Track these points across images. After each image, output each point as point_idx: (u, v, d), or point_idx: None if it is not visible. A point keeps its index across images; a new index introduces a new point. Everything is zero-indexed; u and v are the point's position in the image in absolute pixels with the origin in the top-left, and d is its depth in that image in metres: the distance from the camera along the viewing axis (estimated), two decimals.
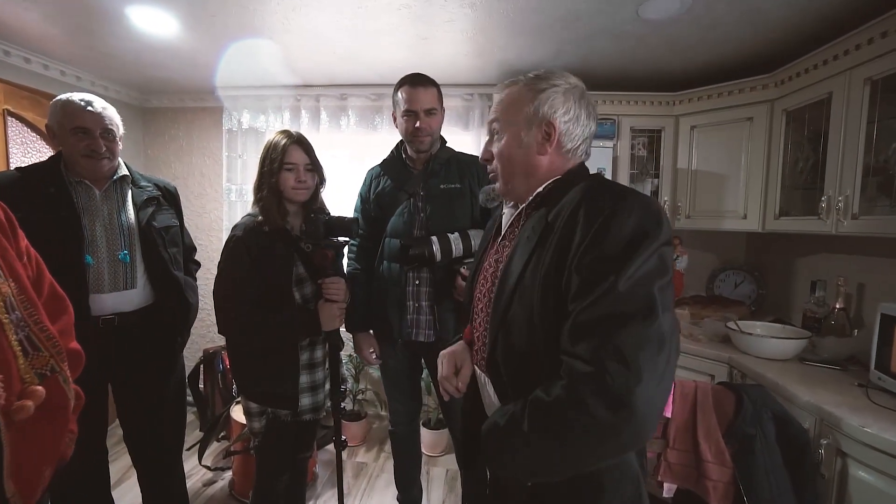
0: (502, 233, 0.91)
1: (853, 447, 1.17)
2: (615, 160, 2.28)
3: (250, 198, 2.80)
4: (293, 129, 1.41)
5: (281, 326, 1.27)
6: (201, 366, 2.50)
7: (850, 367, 1.59)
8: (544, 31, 1.88)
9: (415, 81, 1.53)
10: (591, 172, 0.84)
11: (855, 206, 1.51)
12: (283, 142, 1.34)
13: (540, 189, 0.81)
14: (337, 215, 1.39)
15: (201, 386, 2.50)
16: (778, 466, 1.20)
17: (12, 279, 0.79)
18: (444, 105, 1.63)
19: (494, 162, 0.86)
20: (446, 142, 1.69)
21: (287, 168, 1.33)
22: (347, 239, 1.40)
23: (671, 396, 1.43)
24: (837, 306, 1.72)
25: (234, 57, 2.23)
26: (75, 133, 1.33)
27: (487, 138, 0.88)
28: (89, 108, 1.35)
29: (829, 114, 1.63)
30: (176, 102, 2.97)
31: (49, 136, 1.38)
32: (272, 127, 2.75)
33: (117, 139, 1.43)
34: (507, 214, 0.90)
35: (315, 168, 1.39)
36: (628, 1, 1.60)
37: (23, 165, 1.45)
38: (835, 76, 1.60)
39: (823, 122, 1.66)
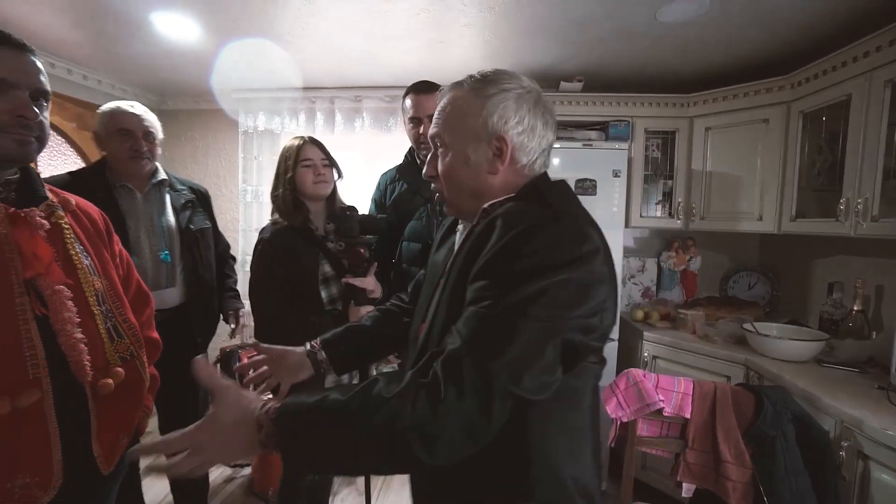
0: (454, 251, 0.80)
1: (875, 449, 1.18)
2: (630, 161, 2.28)
3: (265, 199, 2.86)
4: (308, 132, 1.46)
5: (311, 329, 1.29)
6: (218, 364, 2.54)
7: (868, 369, 1.59)
8: (559, 34, 1.89)
9: (419, 89, 1.55)
10: (557, 180, 0.75)
11: (874, 209, 1.51)
12: (297, 142, 1.40)
13: (485, 206, 0.72)
14: (365, 213, 1.41)
15: None
16: (799, 468, 1.20)
17: (104, 277, 0.91)
18: None
19: (440, 180, 0.76)
20: None
21: (304, 164, 1.36)
22: (374, 237, 1.42)
23: (690, 397, 1.44)
24: (855, 308, 1.72)
25: (250, 59, 2.26)
26: (120, 135, 1.44)
27: (431, 152, 0.77)
28: (132, 111, 1.47)
29: (848, 116, 1.62)
30: (192, 105, 3.01)
31: (96, 141, 1.50)
32: (287, 129, 2.78)
33: (157, 142, 1.54)
34: (460, 233, 0.80)
35: (332, 163, 1.43)
36: (645, 3, 1.61)
37: (74, 169, 1.58)
38: (855, 78, 1.59)
39: (842, 124, 1.65)
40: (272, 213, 1.40)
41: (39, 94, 0.80)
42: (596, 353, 0.67)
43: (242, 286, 2.82)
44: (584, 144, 2.21)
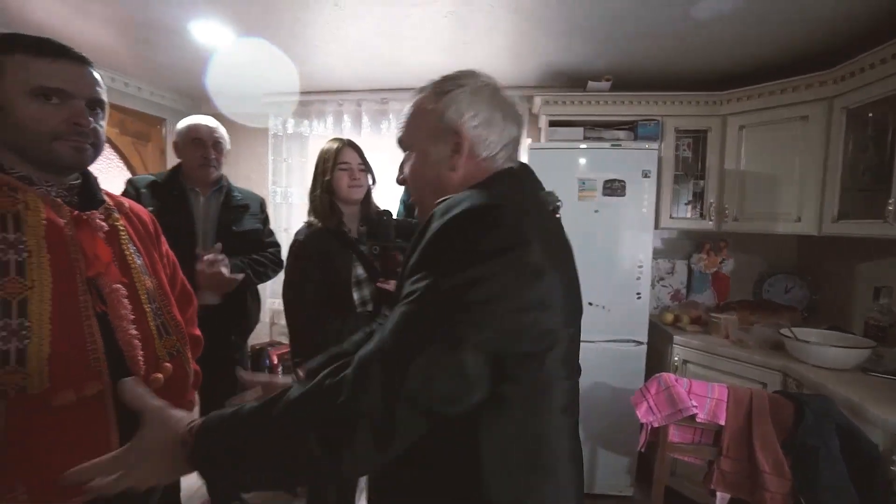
0: None
1: None
2: (659, 161, 2.23)
3: (294, 200, 2.92)
4: (335, 134, 1.49)
5: (342, 332, 1.31)
6: (249, 361, 2.61)
7: None
8: (587, 32, 1.87)
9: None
10: (517, 168, 0.72)
11: None
12: (336, 145, 1.43)
13: (438, 201, 0.68)
14: (399, 218, 1.43)
15: None
16: (843, 481, 1.15)
17: (154, 276, 0.95)
18: None
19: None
20: None
21: (342, 168, 1.39)
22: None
23: (724, 403, 1.41)
24: None
25: (281, 64, 2.32)
26: (194, 143, 1.66)
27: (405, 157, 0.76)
28: (205, 124, 1.70)
29: None
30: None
31: (175, 149, 1.72)
32: (315, 131, 2.84)
33: (224, 152, 1.74)
34: None
35: (367, 169, 1.45)
36: (676, 0, 1.58)
37: (157, 172, 1.81)
38: None
39: (891, 120, 1.58)
40: (308, 214, 1.43)
41: (95, 104, 0.84)
42: (536, 358, 0.58)
43: (274, 285, 2.91)
44: (612, 145, 2.18)
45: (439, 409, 0.52)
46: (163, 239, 1.09)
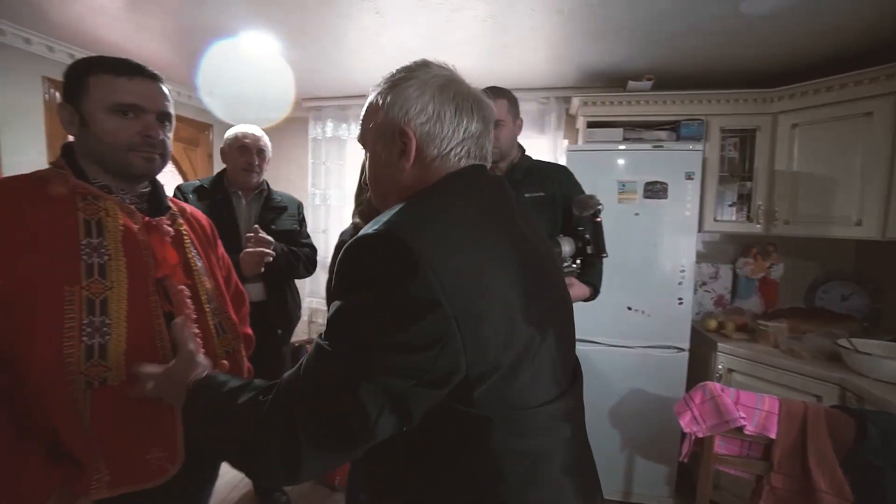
0: None
1: None
2: (704, 162, 2.16)
3: (333, 202, 3.00)
4: None
5: None
6: (291, 356, 2.71)
7: None
8: (629, 32, 1.83)
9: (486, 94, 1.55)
10: (461, 171, 0.64)
11: None
12: None
13: None
14: None
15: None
16: None
17: (212, 278, 1.02)
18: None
19: None
20: (525, 150, 1.70)
21: None
22: None
23: (775, 416, 1.35)
24: None
25: (320, 71, 2.40)
26: (240, 150, 1.76)
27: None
28: (251, 132, 1.79)
29: None
30: None
31: (222, 155, 1.82)
32: (354, 135, 2.91)
33: (266, 159, 1.83)
34: None
35: None
36: None
37: (203, 178, 1.92)
38: None
39: None
40: (353, 216, 1.47)
41: (164, 117, 0.90)
42: (454, 395, 0.53)
43: (312, 284, 3.01)
44: (653, 146, 2.12)
45: (339, 447, 0.52)
46: (219, 242, 1.15)
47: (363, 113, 0.69)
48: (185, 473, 0.88)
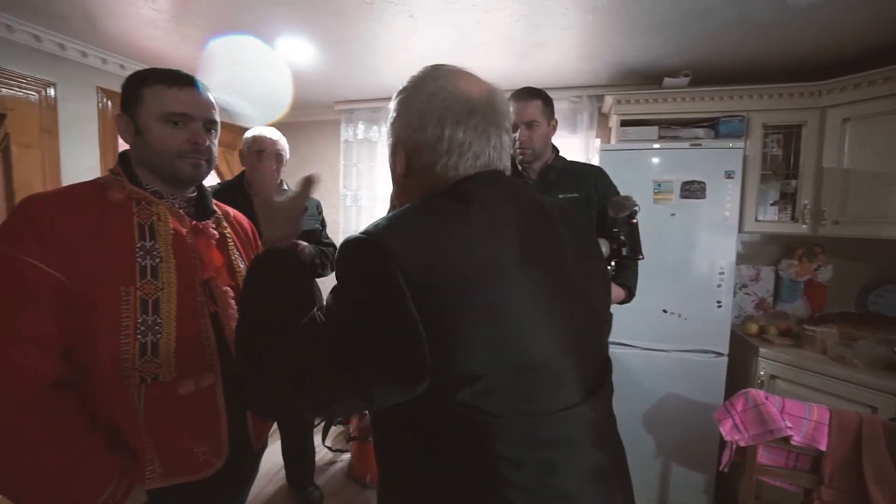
0: None
1: None
2: (745, 160, 2.07)
3: (364, 203, 3.05)
4: None
5: None
6: None
7: None
8: (667, 28, 1.78)
9: (518, 96, 1.53)
10: (465, 179, 0.64)
11: None
12: None
13: None
14: None
15: None
16: None
17: None
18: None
19: None
20: (559, 151, 1.68)
21: None
22: None
23: (825, 427, 1.28)
24: None
25: (352, 75, 2.44)
26: (258, 154, 1.76)
27: None
28: (268, 136, 1.80)
29: None
30: (300, 117, 3.31)
31: (240, 158, 1.85)
32: (384, 137, 2.94)
33: (284, 162, 1.85)
34: None
35: None
36: None
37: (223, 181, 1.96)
38: None
39: None
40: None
41: (210, 125, 0.94)
42: (430, 393, 0.54)
43: (332, 281, 3.07)
44: (691, 144, 2.05)
45: (311, 405, 0.58)
46: (259, 243, 1.19)
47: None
48: (229, 467, 0.91)
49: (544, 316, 0.58)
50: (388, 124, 0.69)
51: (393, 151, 0.68)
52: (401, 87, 0.68)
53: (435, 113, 0.63)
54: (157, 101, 0.86)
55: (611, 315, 0.88)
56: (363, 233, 0.56)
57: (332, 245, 2.05)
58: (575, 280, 0.65)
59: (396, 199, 0.73)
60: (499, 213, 0.60)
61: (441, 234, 0.55)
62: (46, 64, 1.98)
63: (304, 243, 1.73)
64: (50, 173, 1.98)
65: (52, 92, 1.99)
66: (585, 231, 0.79)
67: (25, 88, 1.90)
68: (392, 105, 0.69)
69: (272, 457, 2.23)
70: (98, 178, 0.88)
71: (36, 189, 1.93)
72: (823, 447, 1.25)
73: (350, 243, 0.56)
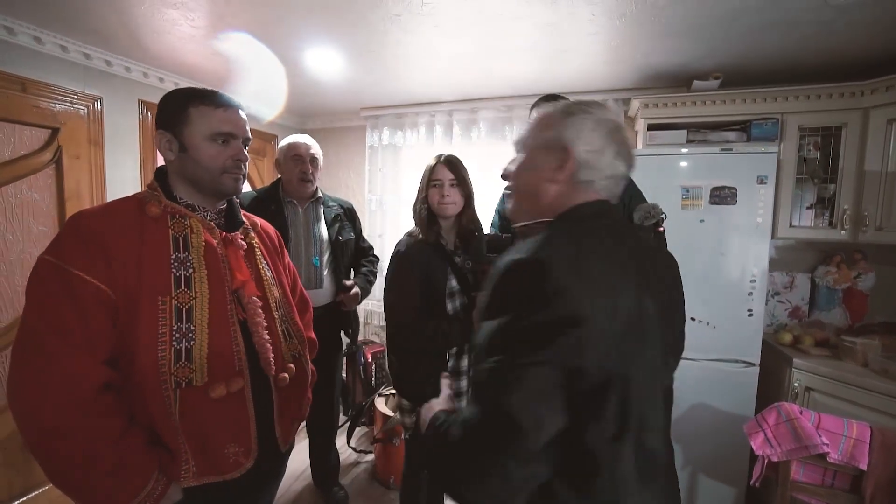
0: None
1: None
2: (779, 164, 2.00)
3: (389, 207, 3.10)
4: (427, 145, 1.56)
5: (437, 335, 1.38)
6: (344, 358, 2.83)
7: None
8: (698, 31, 1.74)
9: (547, 101, 1.54)
10: (590, 204, 0.74)
11: None
12: (431, 163, 1.48)
13: (517, 226, 0.80)
14: (491, 233, 1.47)
15: (344, 376, 2.84)
16: None
17: (279, 286, 1.10)
18: None
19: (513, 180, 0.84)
20: None
21: (434, 184, 1.44)
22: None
23: (866, 445, 1.23)
24: None
25: (378, 83, 2.48)
26: (294, 160, 1.80)
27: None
28: (304, 142, 1.83)
29: None
30: (327, 123, 3.40)
31: (276, 166, 1.89)
32: (409, 142, 2.99)
33: (319, 167, 1.88)
34: None
35: (460, 183, 1.46)
36: None
37: (259, 188, 2.00)
38: None
39: None
40: (416, 226, 1.50)
41: (247, 142, 0.99)
42: (594, 399, 0.61)
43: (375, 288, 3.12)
44: (721, 149, 1.99)
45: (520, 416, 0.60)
46: (286, 252, 1.23)
47: (531, 124, 0.80)
48: (257, 467, 0.95)
49: (655, 353, 0.70)
50: (557, 128, 0.74)
51: (552, 151, 0.74)
52: (574, 107, 0.76)
53: (616, 146, 0.73)
54: (206, 121, 0.91)
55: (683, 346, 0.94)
56: (529, 256, 0.63)
57: (370, 247, 2.13)
58: (667, 310, 0.76)
59: (523, 189, 0.80)
60: (622, 238, 0.73)
61: (590, 255, 0.66)
62: (95, 79, 2.10)
63: (353, 284, 1.85)
64: (96, 182, 2.10)
65: (99, 105, 2.11)
66: (671, 262, 0.88)
67: (76, 103, 2.02)
68: (563, 115, 0.75)
69: (299, 455, 2.29)
70: (137, 194, 0.94)
71: (84, 197, 2.05)
72: (864, 466, 1.20)
73: (518, 264, 0.64)
